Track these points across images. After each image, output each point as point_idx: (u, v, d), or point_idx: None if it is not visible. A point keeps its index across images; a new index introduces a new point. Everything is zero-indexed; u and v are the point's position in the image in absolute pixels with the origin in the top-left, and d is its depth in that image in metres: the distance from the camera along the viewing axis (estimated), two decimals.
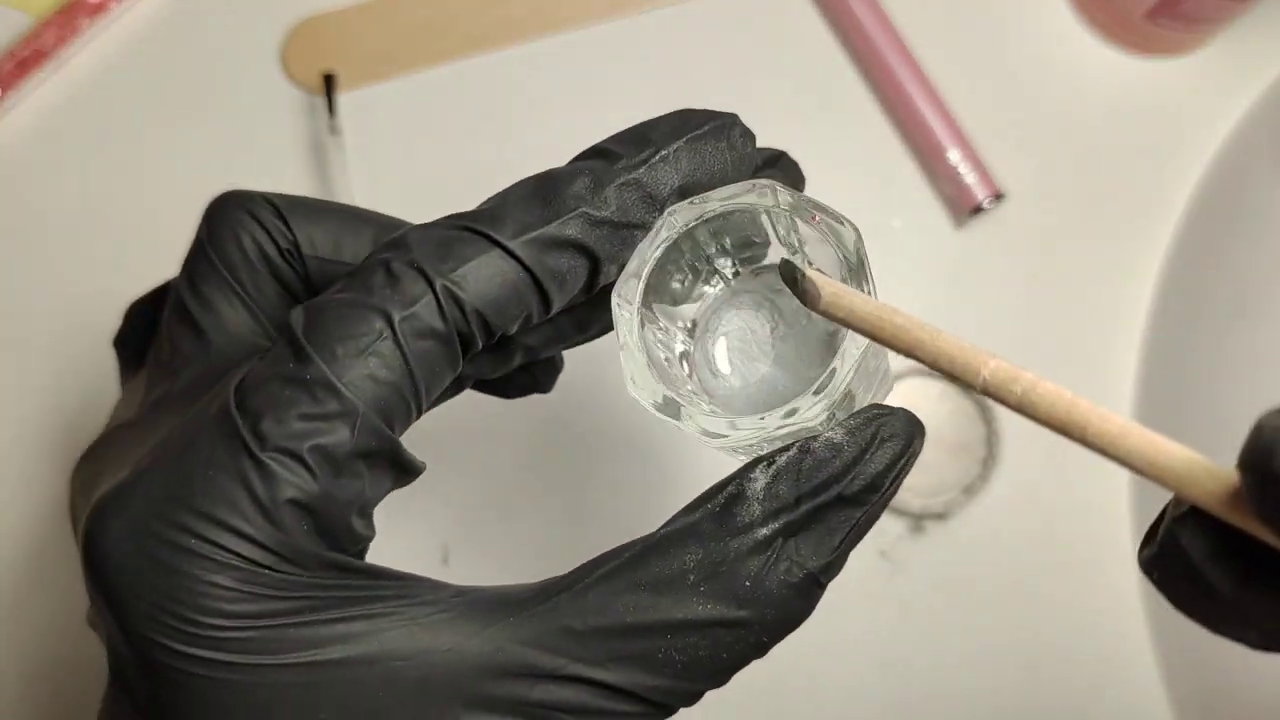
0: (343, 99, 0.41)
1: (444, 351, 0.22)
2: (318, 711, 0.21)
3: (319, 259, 0.26)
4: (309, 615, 0.21)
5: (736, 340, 0.25)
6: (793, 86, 0.43)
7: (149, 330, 0.27)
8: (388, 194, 0.41)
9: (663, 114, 0.24)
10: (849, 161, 0.42)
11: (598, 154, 0.23)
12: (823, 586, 0.22)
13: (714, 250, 0.25)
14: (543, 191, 0.22)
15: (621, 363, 0.23)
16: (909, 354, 0.19)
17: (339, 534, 0.22)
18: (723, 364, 0.25)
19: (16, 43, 0.42)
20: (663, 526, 0.22)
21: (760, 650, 0.22)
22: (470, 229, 0.22)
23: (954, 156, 0.41)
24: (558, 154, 0.42)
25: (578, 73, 0.43)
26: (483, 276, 0.22)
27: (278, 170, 0.42)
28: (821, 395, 0.22)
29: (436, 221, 0.23)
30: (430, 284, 0.21)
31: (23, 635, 0.39)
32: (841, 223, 0.23)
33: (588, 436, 0.39)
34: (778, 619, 0.22)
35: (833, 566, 0.22)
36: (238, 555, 0.21)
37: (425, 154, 0.42)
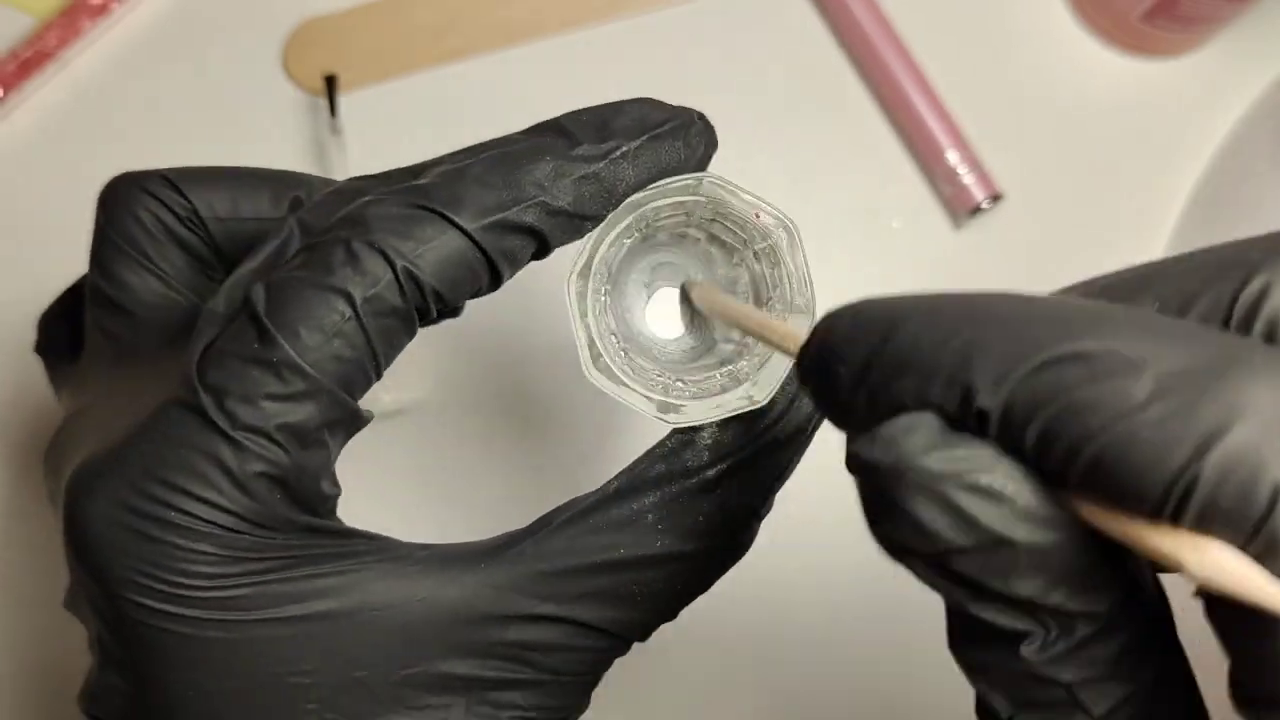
0: (344, 100, 0.41)
1: (402, 325, 0.23)
2: (301, 662, 0.22)
3: (220, 220, 0.27)
4: (287, 572, 0.22)
5: (663, 305, 0.27)
6: (792, 88, 0.43)
7: (67, 335, 0.29)
8: None
9: (626, 101, 0.25)
10: (848, 162, 0.42)
11: (559, 131, 0.24)
12: (760, 520, 0.25)
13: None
14: (502, 170, 0.23)
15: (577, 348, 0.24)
16: (748, 330, 0.24)
17: (310, 498, 0.23)
18: (657, 328, 0.27)
19: (19, 43, 0.42)
20: (617, 476, 0.25)
21: (706, 583, 0.25)
22: (430, 209, 0.22)
23: (953, 157, 0.41)
24: None
25: (578, 73, 0.43)
26: (441, 257, 0.22)
27: None
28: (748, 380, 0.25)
29: (391, 195, 0.23)
30: (391, 265, 0.22)
31: None
32: (786, 228, 0.25)
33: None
34: (725, 551, 0.25)
35: (768, 503, 0.25)
36: (214, 524, 0.22)
37: (426, 154, 0.42)
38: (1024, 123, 0.42)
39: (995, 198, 0.41)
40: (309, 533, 0.23)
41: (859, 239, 0.42)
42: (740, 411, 0.24)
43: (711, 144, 0.25)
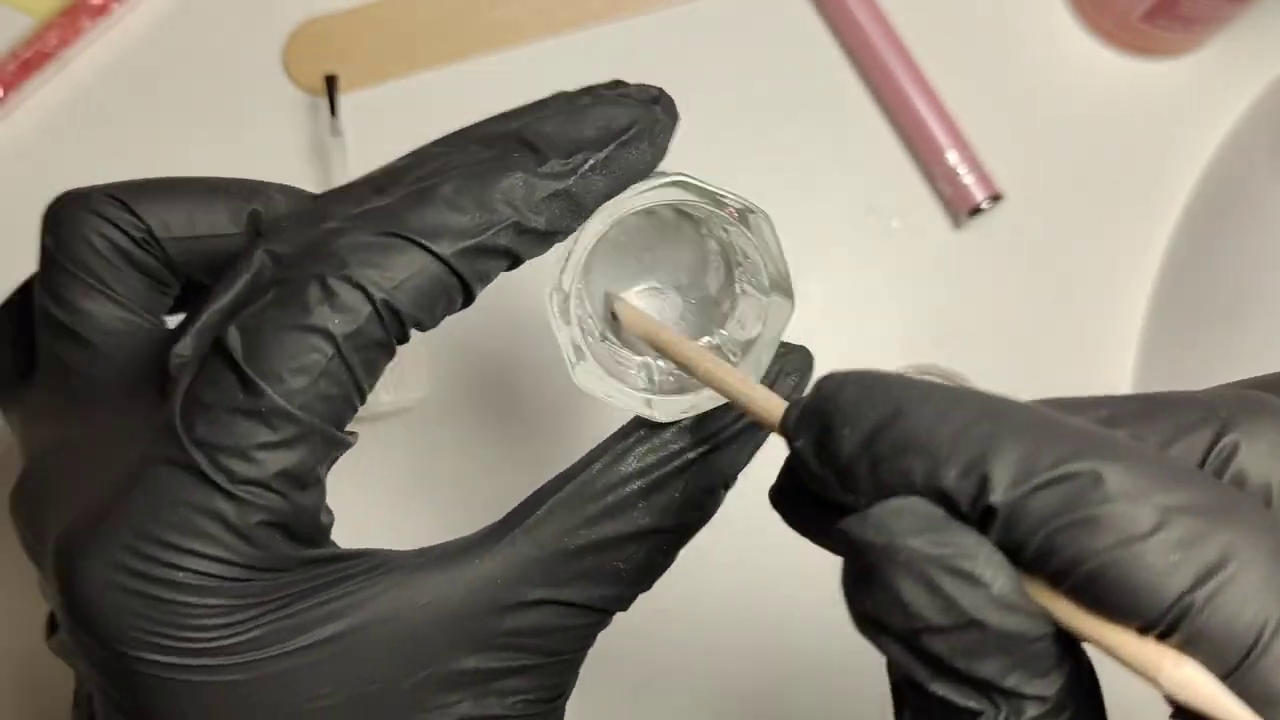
0: (344, 100, 0.41)
1: (383, 353, 0.23)
2: (318, 689, 0.22)
3: (176, 239, 0.26)
4: (294, 606, 0.22)
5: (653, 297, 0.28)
6: (792, 88, 0.43)
7: (11, 355, 0.27)
8: None
9: (586, 100, 0.24)
10: (848, 162, 0.42)
11: (524, 143, 0.23)
12: (728, 490, 0.26)
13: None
14: (472, 191, 0.23)
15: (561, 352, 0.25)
16: (674, 359, 0.25)
17: (308, 533, 0.23)
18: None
19: (19, 44, 0.42)
20: (597, 455, 0.25)
21: (677, 552, 0.26)
22: (404, 237, 0.22)
23: (953, 158, 0.41)
24: None
25: (578, 74, 0.42)
26: (417, 286, 0.22)
27: (279, 171, 0.42)
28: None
29: (362, 223, 0.22)
30: (370, 299, 0.22)
31: None
32: (752, 211, 0.24)
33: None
34: (697, 522, 0.26)
35: (737, 475, 0.26)
36: (221, 578, 0.22)
37: None
38: (1024, 123, 0.42)
39: (995, 198, 0.41)
40: (311, 565, 0.23)
41: (859, 239, 0.42)
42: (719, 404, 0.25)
43: (674, 126, 0.25)
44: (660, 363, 0.26)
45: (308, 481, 0.22)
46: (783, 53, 0.43)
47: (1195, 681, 0.16)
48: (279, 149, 0.42)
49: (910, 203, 0.42)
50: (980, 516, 0.17)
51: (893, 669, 0.18)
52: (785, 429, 0.20)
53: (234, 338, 0.22)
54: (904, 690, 0.18)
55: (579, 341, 0.25)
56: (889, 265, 0.41)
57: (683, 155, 0.42)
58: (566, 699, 0.26)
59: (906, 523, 0.17)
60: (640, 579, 0.25)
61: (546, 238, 0.23)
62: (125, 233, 0.25)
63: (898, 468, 0.17)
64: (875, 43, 0.42)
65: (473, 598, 0.23)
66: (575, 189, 0.23)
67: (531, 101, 0.25)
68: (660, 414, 0.25)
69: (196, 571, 0.21)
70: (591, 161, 0.23)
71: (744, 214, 0.25)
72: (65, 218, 0.26)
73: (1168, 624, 0.16)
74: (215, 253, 0.26)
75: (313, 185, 0.41)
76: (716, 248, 0.27)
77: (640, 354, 0.27)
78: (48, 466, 0.25)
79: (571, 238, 0.24)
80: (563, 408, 0.40)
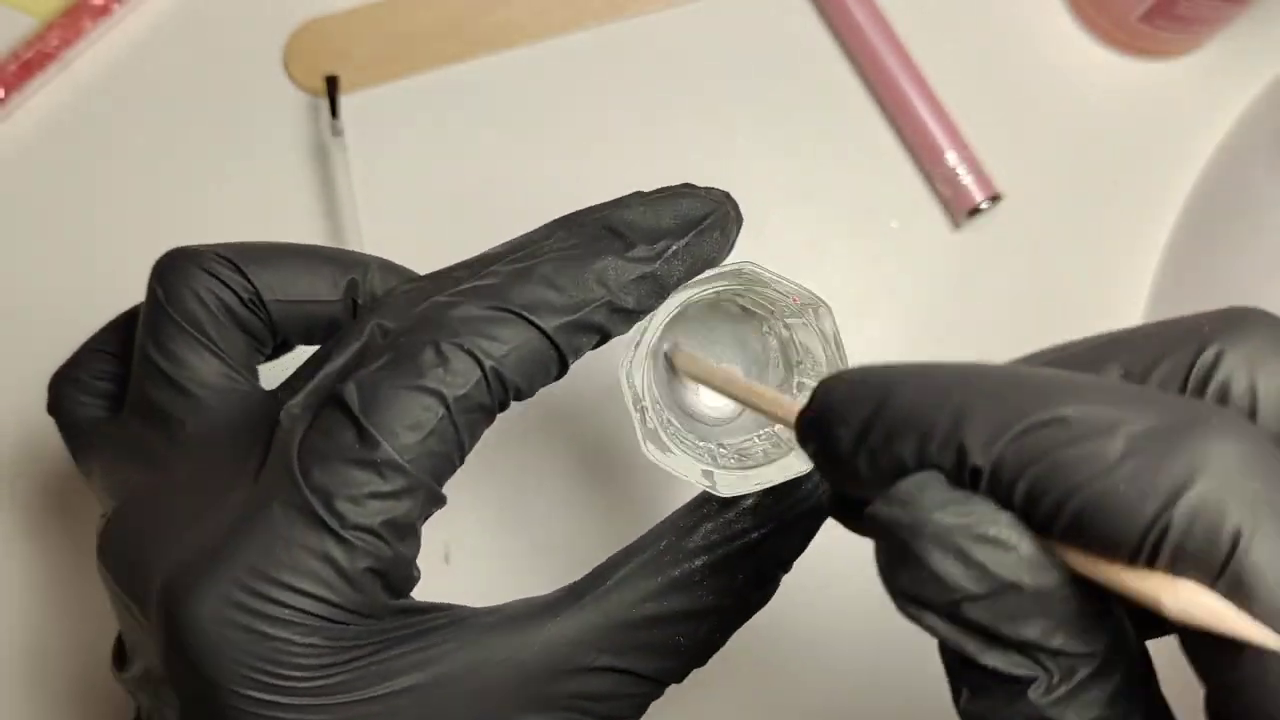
0: (345, 101, 0.41)
1: (486, 418, 0.25)
2: (417, 715, 0.24)
3: (279, 302, 0.28)
4: (380, 654, 0.24)
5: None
6: (791, 89, 0.43)
7: (79, 397, 0.30)
8: (389, 195, 0.41)
9: (666, 196, 0.26)
10: (848, 163, 0.42)
11: (613, 232, 0.26)
12: (786, 572, 0.27)
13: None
14: (569, 272, 0.25)
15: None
16: (736, 398, 0.26)
17: (401, 583, 0.25)
18: (696, 398, 0.30)
19: (20, 44, 0.42)
20: (663, 532, 0.26)
21: (734, 630, 0.27)
22: (511, 311, 0.24)
23: (952, 158, 0.41)
24: (560, 156, 0.43)
25: (579, 75, 0.43)
26: (522, 356, 0.24)
27: (280, 172, 0.42)
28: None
29: (473, 296, 0.24)
30: (480, 365, 0.24)
31: None
32: (816, 305, 0.27)
33: (586, 436, 0.40)
34: (756, 602, 0.27)
35: (795, 560, 0.27)
36: (324, 619, 0.23)
37: (427, 156, 0.42)
38: (1023, 124, 0.43)
39: (994, 198, 0.41)
40: (400, 614, 0.24)
41: (858, 239, 0.42)
42: (778, 483, 0.26)
43: (740, 223, 0.27)
44: (724, 443, 0.28)
45: (407, 534, 0.24)
46: (782, 53, 0.43)
47: (1194, 600, 0.16)
48: (280, 149, 0.42)
49: (909, 203, 0.42)
50: (972, 482, 0.17)
51: (945, 652, 0.19)
52: (800, 443, 0.20)
53: (352, 392, 0.23)
54: (958, 673, 0.19)
55: (650, 418, 0.27)
56: (888, 265, 0.42)
57: (683, 157, 0.42)
58: None
59: (929, 497, 0.17)
60: (698, 654, 0.26)
61: (632, 316, 0.26)
62: (235, 293, 0.27)
63: (891, 455, 0.18)
64: (875, 44, 0.42)
65: (542, 660, 0.25)
66: (660, 272, 0.25)
67: (612, 199, 0.27)
68: (723, 488, 0.26)
69: (304, 611, 0.23)
70: (674, 248, 0.25)
71: (805, 307, 0.26)
72: (177, 272, 0.27)
73: (1151, 548, 0.16)
74: (313, 316, 0.28)
75: (313, 185, 0.42)
76: (776, 345, 0.29)
77: (703, 437, 0.28)
78: (146, 507, 0.26)
79: (645, 320, 0.26)
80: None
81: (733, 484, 0.26)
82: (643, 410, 0.26)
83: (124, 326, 0.31)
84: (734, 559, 0.26)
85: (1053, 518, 0.17)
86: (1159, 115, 0.43)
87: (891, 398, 0.18)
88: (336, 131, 0.41)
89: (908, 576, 0.18)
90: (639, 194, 0.27)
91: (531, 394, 0.25)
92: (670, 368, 0.28)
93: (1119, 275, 0.42)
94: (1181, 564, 0.16)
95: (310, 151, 0.42)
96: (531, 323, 0.24)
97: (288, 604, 0.23)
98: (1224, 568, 0.15)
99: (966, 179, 0.41)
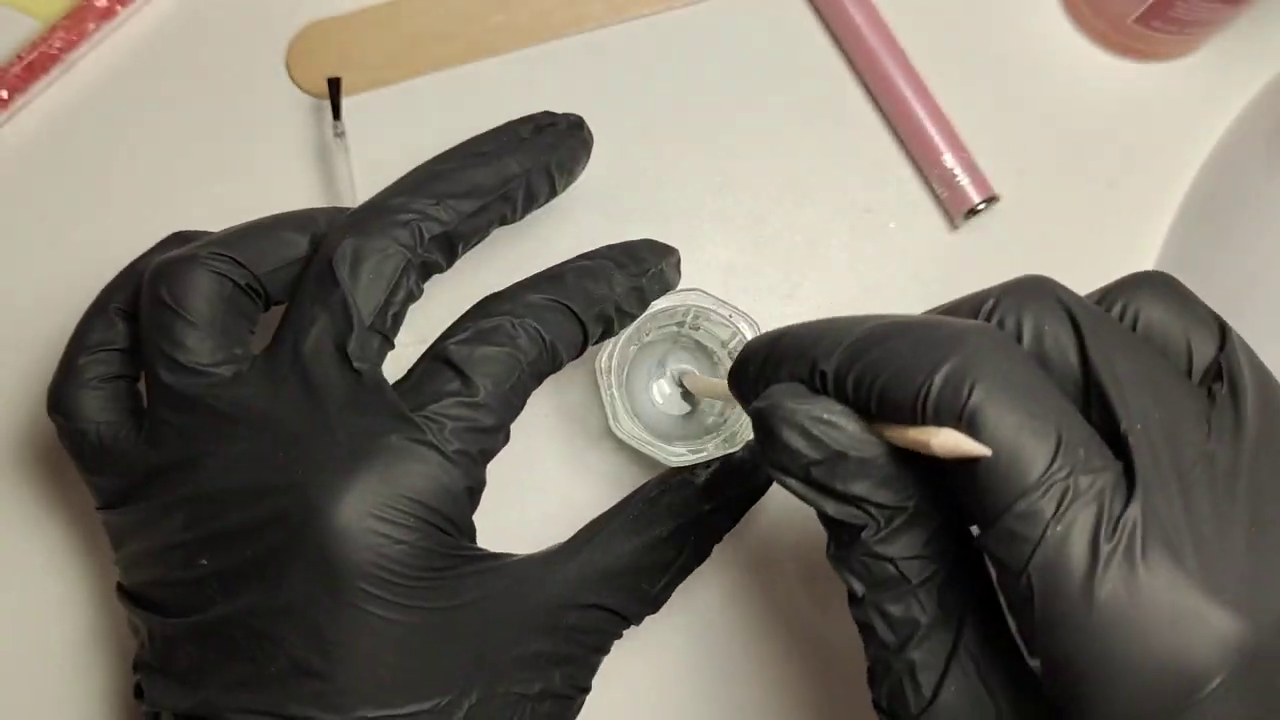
0: (347, 103, 0.41)
1: (538, 379, 0.32)
2: (467, 629, 0.30)
3: (269, 274, 0.32)
4: (456, 569, 0.30)
5: (666, 387, 0.40)
6: (790, 91, 0.43)
7: (79, 402, 0.32)
8: None
9: (642, 241, 0.35)
10: (845, 164, 0.43)
11: (613, 260, 0.34)
12: (726, 533, 0.34)
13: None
14: (589, 280, 0.33)
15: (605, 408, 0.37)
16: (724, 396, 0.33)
17: (475, 508, 0.31)
18: (661, 403, 0.40)
19: (24, 46, 0.42)
20: (635, 502, 0.33)
21: (682, 581, 0.34)
22: (561, 304, 0.32)
23: (949, 159, 0.41)
24: None
25: (580, 77, 0.43)
26: (566, 336, 0.32)
27: (282, 173, 0.42)
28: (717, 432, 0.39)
29: (535, 288, 0.33)
30: (543, 340, 0.32)
31: None
32: (746, 321, 0.37)
33: (587, 423, 0.40)
34: (702, 558, 0.34)
35: (734, 527, 0.35)
36: (435, 527, 0.29)
37: (429, 157, 0.42)
38: (1019, 125, 0.43)
39: (991, 199, 0.41)
40: (471, 545, 0.31)
41: (855, 240, 0.42)
42: (721, 454, 0.35)
43: (679, 274, 0.36)
44: (677, 446, 0.37)
45: (484, 464, 0.31)
46: (780, 56, 0.43)
47: (948, 440, 0.21)
48: (282, 151, 0.42)
49: (907, 204, 0.42)
50: (822, 387, 0.24)
51: (819, 518, 0.25)
52: (729, 385, 0.28)
53: (460, 352, 0.31)
54: (826, 529, 0.25)
55: (617, 404, 0.36)
56: (885, 266, 0.42)
57: (683, 157, 0.42)
58: (587, 695, 0.33)
59: (784, 393, 0.24)
60: (657, 601, 0.33)
61: (627, 316, 0.34)
62: (234, 282, 0.31)
63: (774, 375, 0.25)
64: (872, 46, 0.42)
65: (552, 596, 0.31)
66: (645, 286, 0.34)
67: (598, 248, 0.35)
68: (674, 460, 0.36)
69: (422, 520, 0.29)
70: (652, 271, 0.34)
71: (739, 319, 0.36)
72: (179, 275, 0.31)
73: (920, 407, 0.22)
74: (295, 275, 0.32)
75: (315, 186, 0.42)
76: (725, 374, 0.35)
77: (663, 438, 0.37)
78: (218, 462, 0.30)
79: (610, 343, 0.36)
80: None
81: (683, 458, 0.36)
82: (613, 399, 0.36)
83: (106, 315, 0.33)
84: (688, 526, 0.33)
85: (869, 399, 0.23)
86: (1155, 117, 0.43)
87: (779, 341, 0.25)
88: (339, 133, 0.41)
89: (772, 450, 0.24)
90: (608, 246, 0.35)
91: (561, 367, 0.33)
92: (680, 387, 0.40)
93: (1116, 275, 0.42)
94: (940, 416, 0.22)
95: (313, 153, 0.42)
96: (573, 312, 0.32)
97: (412, 513, 0.29)
98: (962, 411, 0.21)
99: (964, 180, 0.41)
